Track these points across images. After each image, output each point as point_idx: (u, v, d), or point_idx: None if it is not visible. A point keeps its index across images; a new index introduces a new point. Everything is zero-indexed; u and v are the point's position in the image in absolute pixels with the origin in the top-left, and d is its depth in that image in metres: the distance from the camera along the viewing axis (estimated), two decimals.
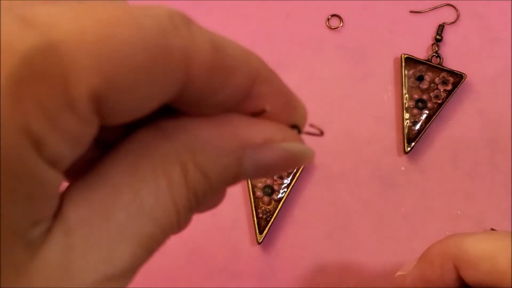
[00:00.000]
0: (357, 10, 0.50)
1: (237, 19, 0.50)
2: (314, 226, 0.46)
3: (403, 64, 0.47)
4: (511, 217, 0.45)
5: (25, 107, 0.13)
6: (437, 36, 0.49)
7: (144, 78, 0.15)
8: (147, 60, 0.15)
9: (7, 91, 0.12)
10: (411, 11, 0.50)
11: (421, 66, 0.47)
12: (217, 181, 0.18)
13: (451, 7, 0.50)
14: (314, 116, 0.50)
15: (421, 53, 0.49)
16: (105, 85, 0.14)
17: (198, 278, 0.45)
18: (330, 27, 0.50)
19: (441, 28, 0.49)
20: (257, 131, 0.19)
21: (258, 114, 0.19)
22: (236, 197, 0.46)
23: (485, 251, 0.28)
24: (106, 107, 0.14)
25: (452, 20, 0.50)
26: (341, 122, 0.48)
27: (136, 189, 0.16)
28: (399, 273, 0.32)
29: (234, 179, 0.18)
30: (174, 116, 0.18)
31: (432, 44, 0.49)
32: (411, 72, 0.47)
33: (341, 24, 0.50)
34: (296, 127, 0.21)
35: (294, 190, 0.46)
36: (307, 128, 0.22)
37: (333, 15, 0.50)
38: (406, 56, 0.47)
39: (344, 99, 0.48)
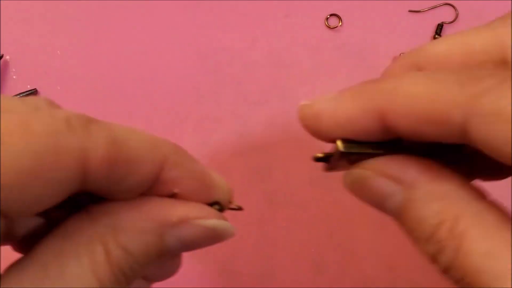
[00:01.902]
0: (356, 10, 0.50)
1: (236, 19, 0.50)
2: (314, 226, 0.46)
3: None
4: (511, 217, 0.45)
5: None
6: (436, 36, 0.49)
7: (36, 179, 0.17)
8: (37, 163, 0.17)
9: None
10: (410, 11, 0.50)
11: None
12: (141, 257, 0.20)
13: (450, 7, 0.50)
14: None
15: None
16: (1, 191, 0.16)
17: (198, 278, 0.45)
18: (329, 27, 0.50)
19: (440, 28, 0.49)
20: (172, 210, 0.21)
21: (172, 196, 0.21)
22: None
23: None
24: (4, 205, 0.16)
25: (451, 20, 0.50)
26: None
27: (61, 268, 0.18)
28: (305, 103, 0.24)
29: (159, 254, 0.21)
30: (101, 201, 0.20)
31: None
32: None
33: (340, 24, 0.50)
34: (218, 204, 0.23)
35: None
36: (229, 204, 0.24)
37: (332, 15, 0.50)
38: None
39: None
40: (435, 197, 0.20)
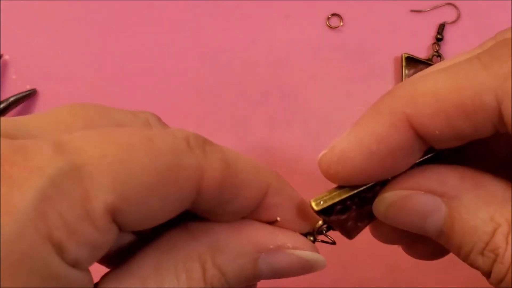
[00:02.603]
0: (357, 10, 0.50)
1: (237, 19, 0.50)
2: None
3: (404, 64, 0.47)
4: None
5: (49, 219, 0.15)
6: (438, 36, 0.48)
7: (155, 195, 0.17)
8: (159, 179, 0.17)
9: (34, 206, 0.15)
10: (411, 10, 0.50)
11: (421, 66, 0.47)
12: (234, 279, 0.20)
13: (452, 6, 0.50)
14: (314, 116, 0.50)
15: (422, 53, 0.49)
16: (120, 201, 0.16)
17: None
18: (330, 27, 0.50)
19: (441, 28, 0.49)
20: (270, 237, 0.21)
21: (271, 222, 0.21)
22: None
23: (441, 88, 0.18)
24: (121, 218, 0.17)
25: (453, 20, 0.49)
26: (341, 121, 0.48)
27: (160, 282, 0.19)
28: (324, 152, 0.21)
29: (250, 279, 0.21)
30: (200, 219, 0.21)
31: (433, 44, 0.49)
32: (411, 71, 0.47)
33: (341, 24, 0.50)
34: (312, 234, 0.23)
35: None
36: (321, 237, 0.24)
37: (333, 15, 0.50)
38: (406, 55, 0.47)
39: (344, 99, 0.48)
40: (483, 203, 0.19)
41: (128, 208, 0.17)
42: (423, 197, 0.20)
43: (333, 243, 0.24)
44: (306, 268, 0.23)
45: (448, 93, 0.17)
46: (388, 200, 0.21)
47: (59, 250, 0.15)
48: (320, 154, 0.21)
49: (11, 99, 0.47)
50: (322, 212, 0.21)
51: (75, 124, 0.19)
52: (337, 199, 0.20)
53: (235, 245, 0.20)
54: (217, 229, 0.20)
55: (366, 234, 0.45)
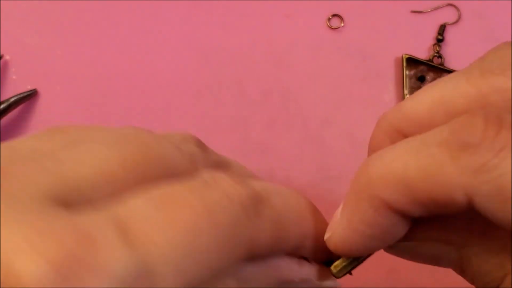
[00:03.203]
0: (358, 10, 0.50)
1: (237, 19, 0.50)
2: None
3: (404, 64, 0.47)
4: None
5: None
6: (439, 36, 0.48)
7: (217, 268, 0.17)
8: (220, 254, 0.16)
9: None
10: (412, 11, 0.50)
11: (422, 67, 0.47)
12: None
13: (452, 7, 0.50)
14: (314, 116, 0.50)
15: (423, 53, 0.48)
16: (184, 284, 0.15)
17: None
18: (330, 27, 0.50)
19: (442, 28, 0.49)
20: (297, 272, 0.22)
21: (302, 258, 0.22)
22: None
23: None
24: None
25: (453, 20, 0.49)
26: (342, 122, 0.47)
27: None
28: (326, 236, 0.23)
29: None
30: None
31: (434, 44, 0.49)
32: (412, 72, 0.47)
33: (342, 24, 0.50)
34: (329, 263, 0.23)
35: None
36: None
37: (334, 15, 0.50)
38: (407, 56, 0.47)
39: (344, 100, 0.48)
40: (493, 252, 0.20)
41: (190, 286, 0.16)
42: (433, 246, 0.22)
43: (350, 273, 0.26)
44: None
45: (420, 185, 0.18)
46: (401, 249, 0.23)
47: None
48: (326, 237, 0.22)
49: (12, 99, 0.47)
50: (341, 276, 0.23)
51: (129, 178, 0.17)
52: (351, 266, 0.23)
53: (260, 277, 0.20)
54: (247, 262, 0.20)
55: None
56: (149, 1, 0.51)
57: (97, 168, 0.16)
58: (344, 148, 0.47)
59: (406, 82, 0.47)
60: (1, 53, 0.49)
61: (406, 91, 0.46)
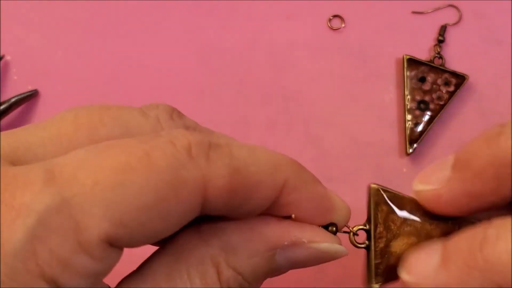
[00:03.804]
0: (359, 11, 0.50)
1: (238, 20, 0.50)
2: None
3: (405, 65, 0.47)
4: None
5: (39, 258, 0.15)
6: (440, 37, 0.48)
7: (155, 214, 0.17)
8: (157, 198, 0.16)
9: (22, 247, 0.15)
10: (413, 12, 0.50)
11: (423, 67, 0.47)
12: (252, 276, 0.20)
13: (453, 8, 0.50)
14: (315, 117, 0.50)
15: (423, 54, 0.48)
16: (115, 227, 0.16)
17: None
18: (331, 28, 0.50)
19: (443, 29, 0.49)
20: (284, 233, 0.21)
21: (286, 218, 0.21)
22: None
23: None
24: (121, 241, 0.16)
25: (454, 21, 0.49)
26: (342, 123, 0.48)
27: None
28: (420, 186, 0.23)
29: (269, 274, 0.21)
30: (212, 218, 0.20)
31: (434, 45, 0.49)
32: (413, 73, 0.47)
33: (343, 25, 0.50)
34: (334, 225, 0.23)
35: None
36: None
37: (334, 16, 0.50)
38: (408, 57, 0.47)
39: (345, 100, 0.48)
40: None
41: (126, 231, 0.16)
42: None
43: (356, 234, 0.25)
44: (326, 258, 0.23)
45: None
46: None
47: (54, 285, 0.15)
48: (418, 188, 0.23)
49: (13, 99, 0.47)
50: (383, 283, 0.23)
51: (77, 137, 0.18)
52: (371, 269, 0.23)
53: (248, 245, 0.20)
54: (229, 230, 0.20)
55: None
56: (150, 2, 0.51)
57: (48, 128, 0.18)
58: (345, 149, 0.47)
59: (407, 83, 0.47)
60: (2, 54, 0.49)
61: (406, 92, 0.46)
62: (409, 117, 0.46)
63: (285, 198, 0.21)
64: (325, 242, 0.22)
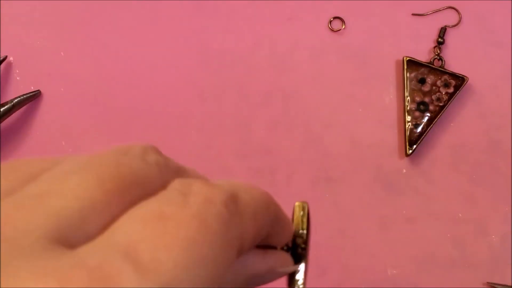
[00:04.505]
0: (359, 13, 0.50)
1: (239, 22, 0.50)
2: (315, 228, 0.46)
3: (405, 67, 0.47)
4: (511, 220, 0.45)
5: None
6: (439, 39, 0.49)
7: (217, 273, 0.17)
8: (220, 265, 0.17)
9: None
10: (413, 14, 0.50)
11: (423, 69, 0.47)
12: None
13: (453, 10, 0.50)
14: (315, 118, 0.50)
15: (423, 56, 0.49)
16: None
17: None
18: (332, 30, 0.50)
19: (443, 31, 0.49)
20: (264, 264, 0.22)
21: (267, 247, 0.22)
22: None
23: None
24: None
25: (454, 23, 0.50)
26: (343, 124, 0.48)
27: None
28: None
29: None
30: None
31: (434, 47, 0.49)
32: (413, 74, 0.47)
33: (343, 27, 0.50)
34: (286, 245, 0.25)
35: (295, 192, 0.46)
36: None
37: (335, 18, 0.50)
38: (408, 58, 0.47)
39: (345, 102, 0.48)
40: None
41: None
42: None
43: (305, 250, 0.26)
44: (281, 276, 0.24)
45: None
46: None
47: None
48: None
49: (15, 100, 0.47)
50: None
51: (111, 202, 0.17)
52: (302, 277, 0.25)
53: (232, 278, 0.21)
54: None
55: (367, 236, 0.46)
56: (152, 3, 0.51)
57: (81, 197, 0.16)
58: (345, 150, 0.47)
59: (407, 84, 0.47)
60: (5, 55, 0.49)
61: (406, 93, 0.47)
62: (409, 118, 0.46)
63: (272, 230, 0.22)
64: (290, 266, 0.24)
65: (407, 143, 0.46)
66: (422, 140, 0.46)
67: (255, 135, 0.48)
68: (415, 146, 0.46)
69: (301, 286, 0.25)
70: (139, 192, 0.17)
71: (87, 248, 0.15)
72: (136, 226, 0.16)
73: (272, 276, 0.23)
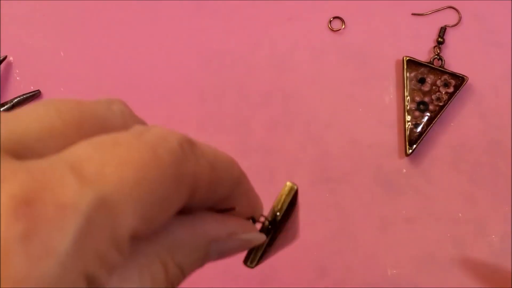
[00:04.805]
0: (359, 12, 0.50)
1: (239, 22, 0.50)
2: (315, 228, 0.46)
3: (405, 67, 0.47)
4: (511, 220, 0.45)
5: (86, 257, 0.15)
6: (439, 39, 0.49)
7: (167, 207, 0.17)
8: (167, 193, 0.17)
9: (73, 247, 0.15)
10: (413, 14, 0.50)
11: (422, 69, 0.47)
12: (188, 270, 0.21)
13: (453, 10, 0.50)
14: (315, 118, 0.51)
15: (423, 56, 0.49)
16: (140, 224, 0.16)
17: (198, 280, 0.45)
18: (332, 29, 0.50)
19: (443, 31, 0.49)
20: (223, 227, 0.22)
21: (226, 210, 0.23)
22: None
23: None
24: (138, 237, 0.17)
25: (454, 23, 0.50)
26: (343, 124, 0.48)
27: None
28: None
29: (200, 266, 0.22)
30: None
31: (434, 47, 0.49)
32: (412, 74, 0.47)
33: (343, 26, 0.50)
34: (252, 218, 0.25)
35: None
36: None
37: (335, 17, 0.50)
38: (408, 58, 0.47)
39: (345, 101, 0.48)
40: None
41: (145, 227, 0.17)
42: None
43: (271, 224, 0.27)
44: (248, 246, 0.24)
45: None
46: None
47: (92, 281, 0.16)
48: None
49: (15, 100, 0.47)
50: (257, 264, 0.25)
51: (67, 132, 0.18)
52: (259, 254, 0.25)
53: (191, 241, 0.21)
54: (173, 227, 0.21)
55: (368, 237, 0.46)
56: (152, 3, 0.51)
57: (39, 122, 0.17)
58: (345, 149, 0.47)
59: (407, 84, 0.47)
60: (5, 55, 0.49)
61: (406, 93, 0.47)
62: (408, 118, 0.46)
63: (233, 192, 0.22)
64: (253, 233, 0.24)
65: (407, 143, 0.46)
66: (422, 140, 0.46)
67: (255, 134, 0.48)
68: (415, 146, 0.46)
69: (254, 259, 0.25)
70: (97, 129, 0.19)
71: (35, 160, 0.16)
72: (87, 147, 0.17)
73: (235, 243, 0.23)
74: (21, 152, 0.17)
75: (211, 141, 0.50)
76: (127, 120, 0.21)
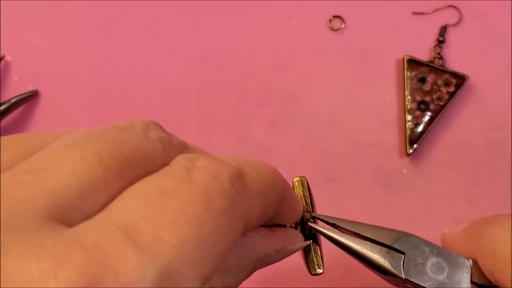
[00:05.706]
0: (359, 11, 0.50)
1: (239, 20, 0.50)
2: None
3: (406, 66, 0.47)
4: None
5: None
6: (440, 38, 0.48)
7: (226, 254, 0.16)
8: (226, 238, 0.16)
9: None
10: (413, 13, 0.50)
11: (423, 68, 0.47)
12: (235, 286, 0.21)
13: (454, 9, 0.50)
14: (315, 118, 0.50)
15: (424, 55, 0.49)
16: (203, 284, 0.15)
17: None
18: (332, 29, 0.50)
19: (443, 30, 0.49)
20: (272, 245, 0.22)
21: (276, 226, 0.22)
22: None
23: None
24: None
25: (455, 22, 0.49)
26: (343, 124, 0.48)
27: None
28: (446, 231, 0.29)
29: (245, 279, 0.21)
30: None
31: (435, 46, 0.49)
32: (413, 73, 0.47)
33: (343, 26, 0.50)
34: (297, 223, 0.24)
35: None
36: None
37: (335, 16, 0.50)
38: (408, 57, 0.47)
39: (346, 101, 0.48)
40: None
41: (206, 280, 0.16)
42: None
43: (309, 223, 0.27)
44: (292, 253, 0.24)
45: None
46: None
47: None
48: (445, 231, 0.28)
49: (13, 100, 0.47)
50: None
51: (110, 180, 0.16)
52: (319, 257, 0.25)
53: (240, 263, 0.20)
54: None
55: None
56: (151, 3, 0.51)
57: (79, 174, 0.15)
58: (345, 149, 0.47)
59: (407, 83, 0.47)
60: (3, 54, 0.49)
61: (407, 93, 0.47)
62: (409, 117, 0.46)
63: (281, 209, 0.21)
64: (299, 243, 0.23)
65: (407, 143, 0.46)
66: (422, 139, 0.46)
67: (255, 134, 0.48)
68: (415, 145, 0.46)
69: (319, 264, 0.25)
70: (140, 170, 0.17)
71: (85, 227, 0.14)
72: (136, 203, 0.15)
73: (281, 255, 0.22)
74: (65, 214, 0.15)
75: (211, 141, 0.50)
76: (167, 149, 0.19)
